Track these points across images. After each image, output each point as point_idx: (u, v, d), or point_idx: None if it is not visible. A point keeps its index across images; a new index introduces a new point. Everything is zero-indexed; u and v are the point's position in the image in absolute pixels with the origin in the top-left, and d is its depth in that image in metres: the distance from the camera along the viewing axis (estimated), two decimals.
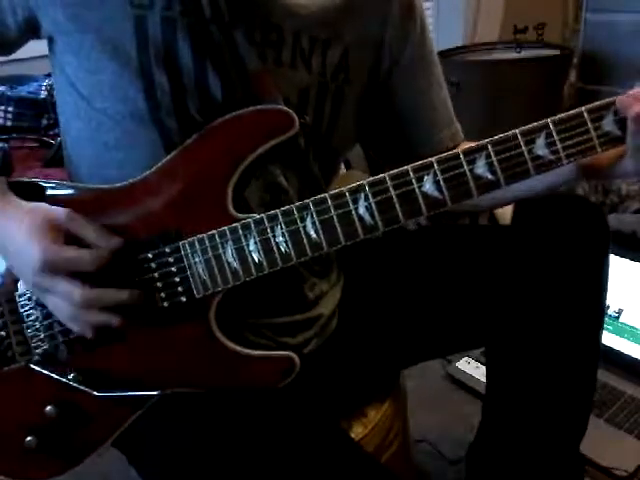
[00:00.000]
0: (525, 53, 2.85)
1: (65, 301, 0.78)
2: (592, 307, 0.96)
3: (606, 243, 0.94)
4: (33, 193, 0.85)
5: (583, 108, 0.77)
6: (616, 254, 1.70)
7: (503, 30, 3.06)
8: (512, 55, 2.85)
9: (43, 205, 0.81)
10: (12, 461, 0.85)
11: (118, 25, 0.81)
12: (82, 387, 0.82)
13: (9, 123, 1.78)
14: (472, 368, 1.83)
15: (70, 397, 0.83)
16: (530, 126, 0.77)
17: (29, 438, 0.83)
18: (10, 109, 1.78)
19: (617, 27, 2.82)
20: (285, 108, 0.83)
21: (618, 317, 1.77)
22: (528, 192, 0.92)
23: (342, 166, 2.56)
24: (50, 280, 0.77)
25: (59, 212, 0.79)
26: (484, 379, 1.09)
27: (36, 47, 0.90)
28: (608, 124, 0.77)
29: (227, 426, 0.84)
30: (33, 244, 0.76)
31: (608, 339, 1.75)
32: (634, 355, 1.74)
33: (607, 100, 0.77)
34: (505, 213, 1.10)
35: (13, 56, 0.92)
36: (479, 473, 1.12)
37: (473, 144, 0.79)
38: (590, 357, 1.00)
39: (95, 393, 0.82)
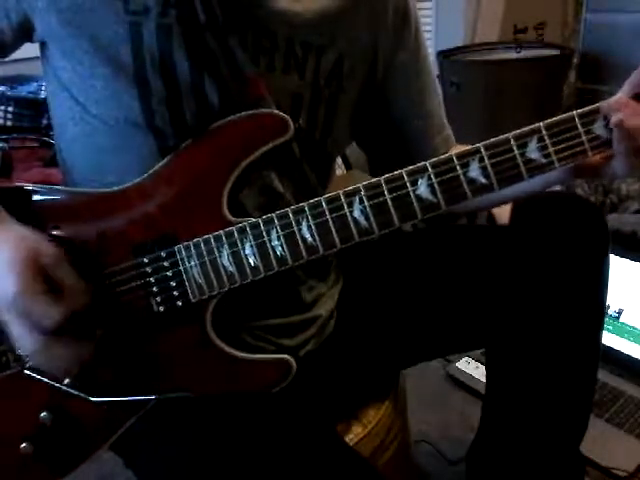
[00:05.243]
0: (525, 53, 2.86)
1: (24, 338, 0.76)
2: (592, 307, 0.96)
3: (605, 243, 0.94)
4: (27, 198, 0.84)
5: (574, 112, 0.77)
6: (616, 254, 1.70)
7: (503, 30, 3.06)
8: (512, 55, 2.86)
9: (35, 237, 0.78)
10: (7, 468, 0.85)
11: (113, 31, 0.80)
12: (77, 392, 0.81)
13: (9, 123, 1.79)
14: (472, 368, 1.83)
15: (65, 403, 0.83)
16: (522, 130, 0.77)
17: (24, 445, 0.82)
18: (10, 109, 1.78)
19: (617, 27, 2.82)
20: (280, 113, 0.83)
21: (618, 317, 1.77)
22: (519, 193, 0.92)
23: (342, 166, 2.58)
24: (17, 315, 0.75)
25: (48, 251, 0.77)
26: (484, 379, 1.08)
27: (36, 47, 0.89)
28: (599, 128, 0.77)
29: (223, 429, 0.84)
30: (12, 275, 0.73)
31: (608, 339, 1.75)
32: (634, 355, 1.74)
33: (597, 104, 0.78)
34: (503, 213, 1.10)
35: (13, 56, 0.92)
36: (479, 473, 1.12)
37: (465, 147, 0.79)
38: (590, 357, 1.00)
39: (91, 398, 0.82)
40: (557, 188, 0.97)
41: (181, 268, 0.82)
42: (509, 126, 0.79)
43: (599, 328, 0.99)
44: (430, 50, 2.94)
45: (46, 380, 0.80)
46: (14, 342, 0.79)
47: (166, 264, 0.82)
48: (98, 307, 0.81)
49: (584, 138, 0.77)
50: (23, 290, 0.73)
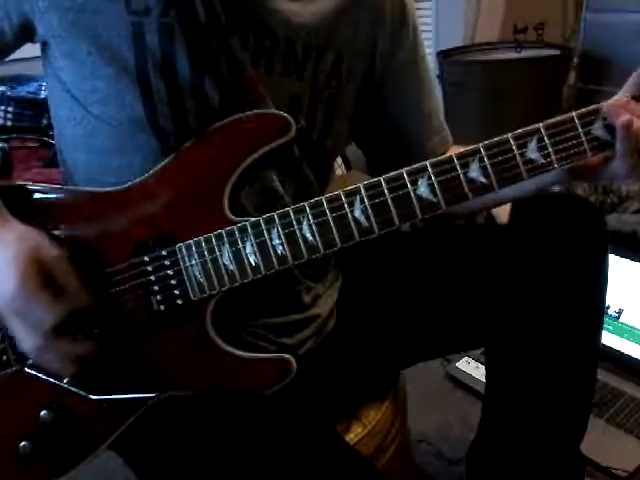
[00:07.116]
0: (525, 53, 2.86)
1: (26, 335, 0.76)
2: (591, 307, 0.96)
3: (604, 242, 0.94)
4: (28, 197, 0.84)
5: (574, 113, 0.78)
6: (616, 254, 1.70)
7: (503, 30, 3.06)
8: (512, 55, 2.86)
9: (37, 235, 0.79)
10: (6, 467, 0.84)
11: (115, 31, 0.80)
12: (78, 390, 0.81)
13: (9, 123, 1.79)
14: (472, 368, 1.83)
15: (66, 401, 0.83)
16: (522, 130, 0.78)
17: (24, 443, 0.82)
18: (10, 109, 1.79)
19: (617, 27, 2.82)
20: (282, 113, 0.84)
21: (618, 317, 1.77)
22: (518, 194, 0.92)
23: (342, 167, 2.58)
24: (15, 314, 0.75)
25: (50, 250, 0.77)
26: (484, 379, 1.08)
27: (36, 47, 0.89)
28: (598, 129, 0.78)
29: (223, 428, 0.84)
30: (13, 273, 0.74)
31: (608, 339, 1.75)
32: (634, 355, 1.74)
33: (596, 106, 0.78)
34: (502, 212, 1.10)
35: (13, 56, 0.92)
36: (479, 473, 1.12)
37: (462, 148, 0.79)
38: (590, 357, 1.00)
39: (91, 396, 0.82)
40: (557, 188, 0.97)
41: (182, 267, 0.82)
42: (509, 126, 0.79)
43: (598, 328, 0.99)
44: (430, 50, 2.94)
45: (47, 378, 0.80)
46: (15, 340, 0.79)
47: (167, 262, 0.82)
48: (98, 307, 0.81)
49: (583, 139, 0.78)
50: (22, 289, 0.74)
